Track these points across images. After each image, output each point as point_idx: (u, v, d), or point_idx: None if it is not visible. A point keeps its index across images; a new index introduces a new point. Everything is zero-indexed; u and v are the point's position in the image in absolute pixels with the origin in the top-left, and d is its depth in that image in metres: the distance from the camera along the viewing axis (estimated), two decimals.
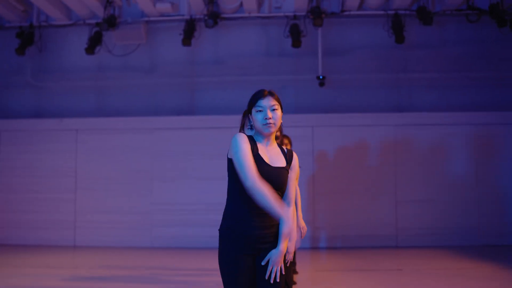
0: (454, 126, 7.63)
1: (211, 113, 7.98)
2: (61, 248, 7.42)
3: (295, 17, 7.72)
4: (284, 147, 2.50)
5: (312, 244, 7.46)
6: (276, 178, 2.30)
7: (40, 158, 7.89)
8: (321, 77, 7.67)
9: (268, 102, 2.35)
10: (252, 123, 2.41)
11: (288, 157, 2.42)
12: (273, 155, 2.38)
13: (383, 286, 4.80)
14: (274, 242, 2.30)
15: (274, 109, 2.34)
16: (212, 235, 7.35)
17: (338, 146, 7.66)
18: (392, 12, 7.61)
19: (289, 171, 2.41)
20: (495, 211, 7.42)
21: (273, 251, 2.27)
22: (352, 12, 7.71)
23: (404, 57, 8.02)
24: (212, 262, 6.23)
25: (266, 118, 2.33)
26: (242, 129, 2.63)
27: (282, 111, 2.40)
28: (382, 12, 7.68)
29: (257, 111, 2.35)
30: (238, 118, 7.57)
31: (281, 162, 2.37)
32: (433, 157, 7.62)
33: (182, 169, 7.71)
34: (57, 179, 7.83)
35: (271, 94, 2.38)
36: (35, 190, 7.83)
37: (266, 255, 2.28)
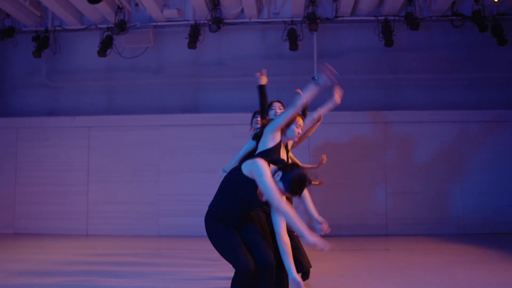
0: (440, 123, 8.16)
1: (214, 111, 8.51)
2: (76, 237, 7.93)
3: (292, 22, 8.28)
4: None
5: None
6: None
7: (55, 153, 8.40)
8: (316, 78, 8.18)
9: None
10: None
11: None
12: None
13: (373, 261, 5.37)
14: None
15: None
16: None
17: (332, 142, 8.17)
18: (382, 18, 8.17)
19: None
20: (477, 202, 7.96)
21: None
22: (345, 18, 8.28)
23: (394, 59, 8.55)
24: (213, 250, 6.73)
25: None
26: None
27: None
28: (373, 18, 8.24)
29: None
30: (238, 115, 8.21)
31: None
32: (420, 152, 8.14)
33: (187, 163, 8.23)
34: (70, 172, 8.35)
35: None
36: (50, 183, 8.33)
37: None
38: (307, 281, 4.07)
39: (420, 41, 8.57)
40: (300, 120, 3.36)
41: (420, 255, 5.70)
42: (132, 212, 8.21)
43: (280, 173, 2.62)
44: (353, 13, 8.33)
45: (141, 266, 5.12)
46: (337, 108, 8.32)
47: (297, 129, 3.29)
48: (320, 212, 7.92)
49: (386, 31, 7.99)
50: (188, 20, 8.37)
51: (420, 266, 4.93)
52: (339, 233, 7.93)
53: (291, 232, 3.52)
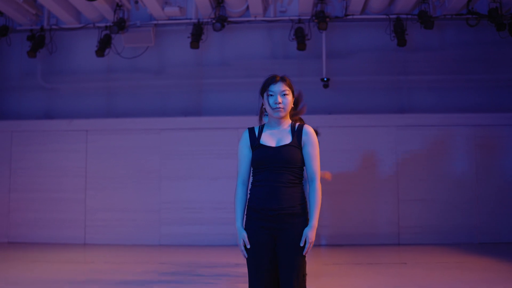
0: (454, 127, 7.84)
1: (218, 114, 8.17)
2: (72, 246, 7.59)
3: (299, 21, 7.93)
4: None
5: (314, 242, 7.64)
6: (277, 156, 2.46)
7: (51, 158, 8.05)
8: (325, 79, 7.88)
9: (279, 87, 2.51)
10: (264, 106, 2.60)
11: (296, 133, 2.55)
12: (283, 136, 2.53)
13: (392, 277, 5.01)
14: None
15: (284, 94, 2.50)
16: (219, 232, 7.64)
17: (341, 147, 7.84)
18: (394, 16, 7.83)
19: (304, 146, 2.53)
20: (493, 210, 7.62)
21: (307, 228, 2.46)
22: (355, 16, 7.92)
23: (405, 60, 8.22)
24: (219, 258, 6.48)
25: (276, 103, 2.49)
26: (261, 113, 2.78)
27: (293, 96, 2.58)
28: (384, 16, 7.89)
29: (269, 96, 2.54)
30: (244, 118, 7.85)
31: (287, 140, 2.52)
32: (434, 157, 7.81)
33: (190, 169, 7.89)
34: (67, 178, 8.00)
35: (283, 80, 2.54)
36: (46, 189, 7.99)
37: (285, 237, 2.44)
38: None
39: (433, 41, 8.24)
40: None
41: (440, 270, 5.35)
42: (132, 220, 7.87)
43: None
44: (363, 11, 7.99)
45: (141, 286, 4.75)
46: (346, 112, 8.14)
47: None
48: (328, 220, 7.64)
49: (399, 30, 7.65)
50: (190, 19, 8.02)
51: (445, 285, 4.58)
52: (349, 243, 7.61)
53: None
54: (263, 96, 2.58)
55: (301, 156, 2.54)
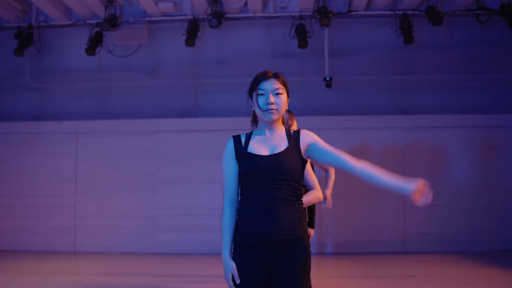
0: (463, 129, 7.48)
1: (215, 115, 7.80)
2: (61, 254, 7.23)
3: (301, 17, 7.55)
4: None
5: (318, 250, 7.29)
6: (271, 167, 2.06)
7: (40, 161, 7.69)
8: (327, 78, 7.51)
9: (272, 85, 2.11)
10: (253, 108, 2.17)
11: (294, 136, 2.16)
12: (277, 142, 2.15)
13: None
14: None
15: (277, 94, 2.12)
16: (216, 240, 7.23)
17: (345, 149, 7.42)
18: (400, 12, 7.45)
19: (312, 146, 2.16)
20: (504, 215, 7.27)
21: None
22: (359, 12, 7.54)
23: (411, 58, 7.87)
24: (217, 269, 6.10)
25: (267, 103, 2.10)
26: (254, 118, 2.38)
27: (288, 96, 2.17)
28: (390, 12, 7.52)
29: (258, 95, 2.13)
30: (242, 120, 7.43)
31: (282, 146, 2.13)
32: (441, 161, 7.46)
33: (186, 173, 7.53)
34: (56, 183, 7.64)
35: (275, 76, 2.14)
36: (34, 195, 7.63)
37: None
38: None
39: (441, 38, 7.86)
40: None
41: (453, 284, 4.97)
42: (125, 227, 7.50)
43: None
44: (368, 7, 7.61)
45: None
46: (349, 112, 7.78)
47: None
48: (331, 228, 7.26)
49: (405, 27, 7.28)
50: (185, 15, 7.63)
51: None
52: (353, 250, 7.25)
53: None
54: (251, 97, 2.18)
55: (301, 166, 2.13)
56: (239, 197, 2.18)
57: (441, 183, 7.37)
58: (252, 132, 2.24)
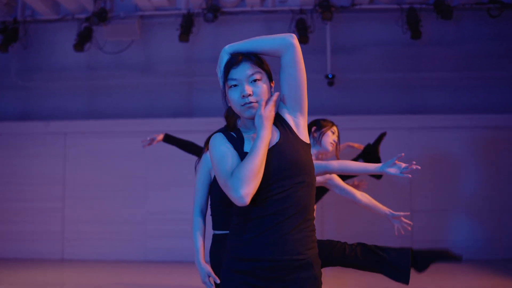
0: (473, 129, 7.12)
1: (211, 115, 7.41)
2: (48, 262, 6.87)
3: (301, 11, 7.18)
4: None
5: None
6: (275, 160, 1.64)
7: (25, 164, 7.36)
8: (330, 76, 7.13)
9: (244, 71, 1.68)
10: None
11: (277, 118, 1.75)
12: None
13: None
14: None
15: (254, 80, 1.68)
16: None
17: (347, 151, 7.11)
18: (407, 6, 7.07)
19: (282, 82, 1.76)
20: None
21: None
22: (363, 6, 7.17)
23: (418, 55, 7.51)
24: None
25: (244, 96, 1.66)
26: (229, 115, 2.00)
27: (272, 80, 1.74)
28: (396, 6, 7.14)
29: (230, 87, 1.69)
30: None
31: (274, 137, 1.70)
32: (450, 163, 7.09)
33: (180, 176, 7.15)
34: (43, 186, 7.29)
35: (247, 58, 1.69)
36: (20, 199, 7.29)
37: None
38: None
39: (449, 34, 7.49)
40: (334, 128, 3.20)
41: None
42: (115, 233, 7.14)
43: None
44: (372, 0, 7.25)
45: None
46: (352, 112, 7.41)
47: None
48: (334, 233, 6.88)
49: (412, 22, 6.89)
50: (179, 9, 7.28)
51: None
52: None
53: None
54: (225, 89, 1.72)
55: (308, 153, 1.71)
56: (235, 214, 1.74)
57: (450, 186, 7.03)
58: (237, 130, 1.79)
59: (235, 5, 7.31)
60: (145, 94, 7.73)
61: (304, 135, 1.76)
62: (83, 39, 7.19)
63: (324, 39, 7.33)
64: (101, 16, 6.94)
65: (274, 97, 1.72)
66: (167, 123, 7.34)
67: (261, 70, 1.69)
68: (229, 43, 6.76)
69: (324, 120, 3.21)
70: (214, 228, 2.58)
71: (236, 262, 1.68)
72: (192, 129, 7.26)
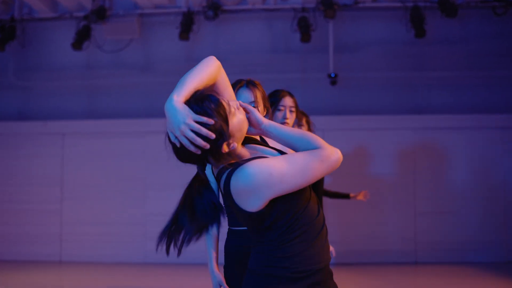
0: (479, 130, 7.00)
1: None
2: (46, 264, 6.78)
3: (303, 9, 7.08)
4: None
5: None
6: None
7: (23, 164, 7.26)
8: (332, 75, 7.03)
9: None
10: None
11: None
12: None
13: None
14: None
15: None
16: None
17: (351, 152, 7.02)
18: (411, 4, 6.97)
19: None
20: None
21: None
22: (366, 4, 7.08)
23: (423, 54, 7.41)
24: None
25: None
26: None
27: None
28: (399, 4, 7.04)
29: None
30: None
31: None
32: (455, 164, 6.99)
33: (179, 177, 6.93)
34: (41, 187, 7.20)
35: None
36: (17, 200, 7.20)
37: None
38: None
39: (454, 32, 7.37)
40: None
41: None
42: (114, 234, 7.05)
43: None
44: None
45: None
46: (356, 112, 7.30)
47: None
48: (336, 236, 6.76)
49: (416, 20, 6.79)
50: (180, 7, 7.18)
51: None
52: (360, 261, 6.78)
53: None
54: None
55: None
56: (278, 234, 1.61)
57: (455, 187, 6.93)
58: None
59: (236, 3, 7.21)
60: (145, 93, 7.64)
61: None
62: (81, 38, 7.11)
63: (326, 38, 7.23)
64: (100, 14, 6.86)
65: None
66: (166, 123, 7.26)
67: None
68: (230, 42, 6.63)
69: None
70: (230, 225, 2.45)
71: (310, 277, 1.59)
72: None
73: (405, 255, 6.83)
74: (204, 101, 1.48)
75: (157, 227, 6.45)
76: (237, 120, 1.53)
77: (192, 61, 8.48)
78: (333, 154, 1.51)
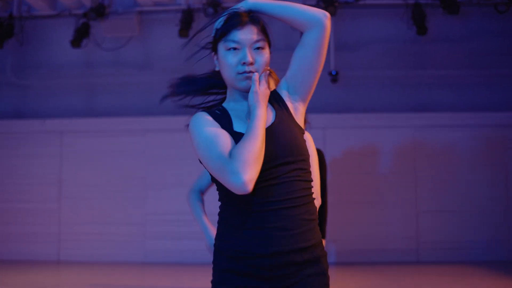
0: (481, 128, 6.96)
1: None
2: (44, 264, 6.70)
3: None
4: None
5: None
6: (271, 143, 1.45)
7: (21, 163, 7.19)
8: (333, 73, 6.97)
9: (250, 35, 1.47)
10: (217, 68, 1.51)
11: (274, 96, 1.57)
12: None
13: None
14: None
15: (258, 48, 1.49)
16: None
17: (352, 151, 6.96)
18: (412, 1, 6.92)
19: (292, 64, 1.59)
20: None
21: None
22: (367, 2, 7.03)
23: (423, 52, 7.36)
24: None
25: (244, 63, 1.47)
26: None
27: (271, 51, 1.55)
28: (401, 2, 6.99)
29: (229, 49, 1.49)
30: None
31: (269, 118, 1.52)
32: (457, 162, 6.94)
33: (179, 176, 6.99)
34: (39, 186, 7.12)
35: (254, 22, 1.50)
36: (15, 199, 7.13)
37: None
38: None
39: (455, 30, 7.33)
40: None
41: None
42: (113, 234, 6.98)
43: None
44: None
45: None
46: (357, 110, 7.24)
47: None
48: (337, 235, 6.71)
49: (418, 17, 6.74)
50: (179, 4, 7.13)
51: None
52: (361, 260, 6.72)
53: None
54: (215, 50, 1.55)
55: (302, 136, 1.54)
56: (226, 204, 1.61)
57: (456, 186, 6.88)
58: (221, 104, 1.63)
59: (236, 0, 7.15)
60: (144, 91, 7.54)
61: (300, 122, 1.61)
62: (80, 35, 7.05)
63: None
64: (99, 11, 6.81)
65: (267, 73, 1.57)
66: (165, 121, 7.17)
67: (265, 39, 1.53)
68: None
69: None
70: None
71: (232, 262, 1.49)
72: None
73: (406, 254, 6.77)
74: None
75: (156, 226, 6.46)
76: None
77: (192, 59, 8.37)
78: (236, 181, 1.36)
